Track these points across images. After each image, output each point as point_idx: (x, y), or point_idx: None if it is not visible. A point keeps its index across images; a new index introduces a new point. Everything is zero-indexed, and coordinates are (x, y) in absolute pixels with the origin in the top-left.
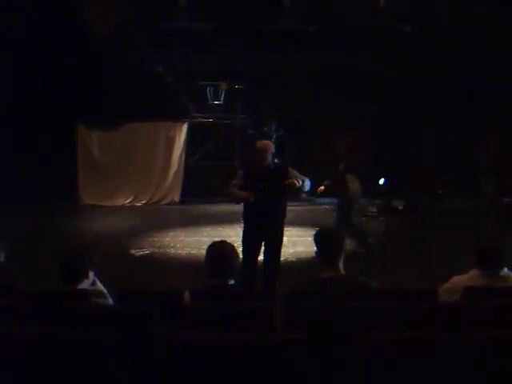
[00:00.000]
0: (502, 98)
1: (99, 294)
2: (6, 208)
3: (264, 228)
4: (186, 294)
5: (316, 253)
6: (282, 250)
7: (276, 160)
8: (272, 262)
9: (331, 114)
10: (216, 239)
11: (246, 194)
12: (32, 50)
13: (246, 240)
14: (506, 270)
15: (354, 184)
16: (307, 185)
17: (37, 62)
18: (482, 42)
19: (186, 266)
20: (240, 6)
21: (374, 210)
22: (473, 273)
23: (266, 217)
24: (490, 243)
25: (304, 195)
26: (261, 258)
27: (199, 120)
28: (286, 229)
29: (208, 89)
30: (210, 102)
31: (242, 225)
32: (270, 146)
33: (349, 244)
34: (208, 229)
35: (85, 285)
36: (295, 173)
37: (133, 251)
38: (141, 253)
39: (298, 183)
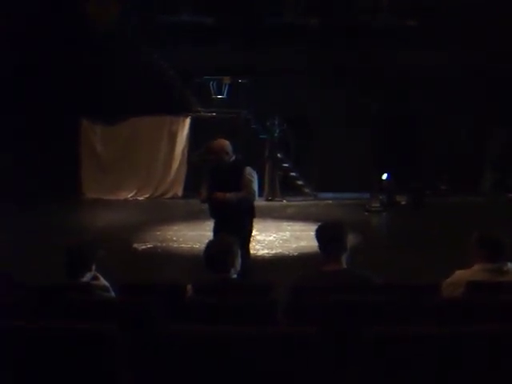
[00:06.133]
0: (504, 96)
1: (102, 287)
2: (10, 202)
3: (227, 224)
4: (189, 288)
5: (319, 247)
6: (286, 245)
7: (235, 157)
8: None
9: (333, 108)
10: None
11: (202, 194)
12: (33, 45)
13: (214, 236)
14: (509, 264)
15: None
16: (243, 196)
17: (39, 57)
18: (483, 40)
19: (189, 259)
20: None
21: (377, 205)
22: (476, 267)
23: (226, 213)
24: (492, 238)
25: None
26: None
27: (202, 114)
28: (288, 224)
29: (211, 83)
30: (214, 97)
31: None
32: (224, 145)
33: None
34: (211, 223)
35: (87, 278)
36: (248, 177)
37: (136, 245)
38: (144, 247)
39: (226, 196)
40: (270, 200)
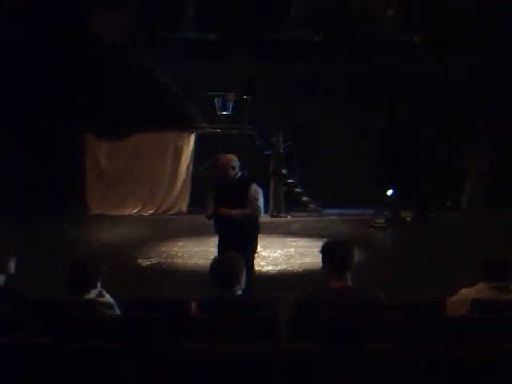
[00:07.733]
0: (503, 111)
1: (107, 304)
2: (15, 218)
3: (232, 239)
4: (194, 305)
5: (323, 264)
6: (290, 262)
7: (240, 173)
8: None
9: (337, 124)
10: None
11: (209, 211)
12: (36, 59)
13: (219, 252)
14: None
15: None
16: (250, 211)
17: (43, 71)
18: (484, 52)
19: (194, 276)
20: (246, 15)
21: (382, 221)
22: (480, 286)
23: (231, 229)
24: (498, 256)
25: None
26: None
27: (207, 130)
28: (292, 240)
29: (216, 99)
30: (218, 113)
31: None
32: (231, 160)
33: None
34: (215, 239)
35: (92, 295)
36: (253, 194)
37: (140, 261)
38: (148, 263)
39: (232, 213)
40: (275, 216)
